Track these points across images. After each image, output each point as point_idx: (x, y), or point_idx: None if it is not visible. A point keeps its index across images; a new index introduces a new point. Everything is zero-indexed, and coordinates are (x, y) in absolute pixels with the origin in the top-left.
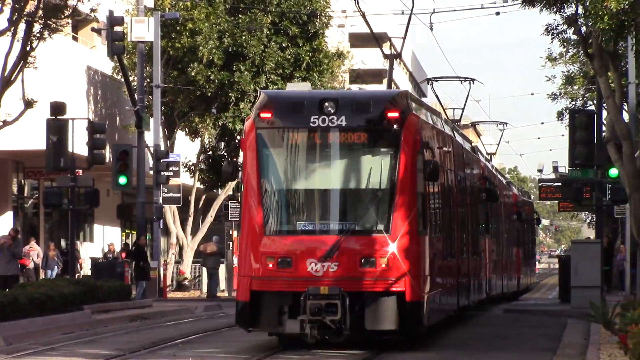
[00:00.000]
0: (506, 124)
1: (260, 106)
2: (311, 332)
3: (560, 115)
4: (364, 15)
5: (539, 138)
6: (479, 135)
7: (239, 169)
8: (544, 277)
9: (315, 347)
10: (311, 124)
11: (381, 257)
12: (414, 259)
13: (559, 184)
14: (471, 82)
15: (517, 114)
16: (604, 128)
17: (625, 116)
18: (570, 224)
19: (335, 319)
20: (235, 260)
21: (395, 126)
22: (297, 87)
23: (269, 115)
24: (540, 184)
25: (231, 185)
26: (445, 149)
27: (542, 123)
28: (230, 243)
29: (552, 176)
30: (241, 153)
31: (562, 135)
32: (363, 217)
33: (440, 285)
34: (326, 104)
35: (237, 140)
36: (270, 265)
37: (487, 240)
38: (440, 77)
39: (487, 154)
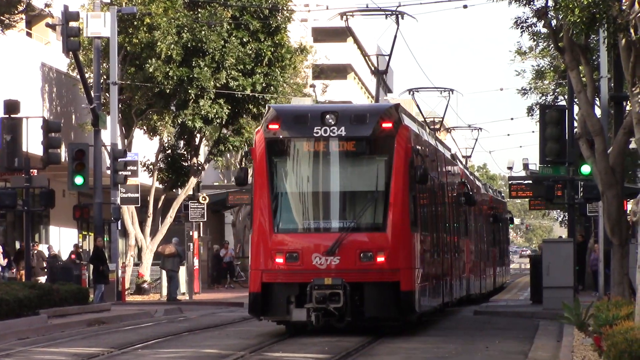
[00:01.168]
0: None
1: (269, 119)
2: (316, 319)
3: (530, 110)
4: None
5: (508, 135)
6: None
7: (250, 175)
8: (515, 277)
9: (317, 334)
10: (314, 134)
11: (378, 252)
12: (407, 253)
13: (530, 181)
14: (450, 92)
15: (485, 110)
16: (575, 124)
17: (598, 111)
18: (542, 222)
19: (338, 306)
20: (196, 263)
21: (389, 135)
22: (301, 101)
23: (276, 126)
24: (510, 182)
25: (191, 184)
26: (430, 156)
27: (512, 119)
28: (191, 244)
29: (523, 174)
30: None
31: (533, 132)
32: (361, 216)
33: (428, 279)
34: (327, 116)
35: (197, 139)
36: (280, 260)
37: (467, 241)
38: (421, 88)
39: (463, 157)
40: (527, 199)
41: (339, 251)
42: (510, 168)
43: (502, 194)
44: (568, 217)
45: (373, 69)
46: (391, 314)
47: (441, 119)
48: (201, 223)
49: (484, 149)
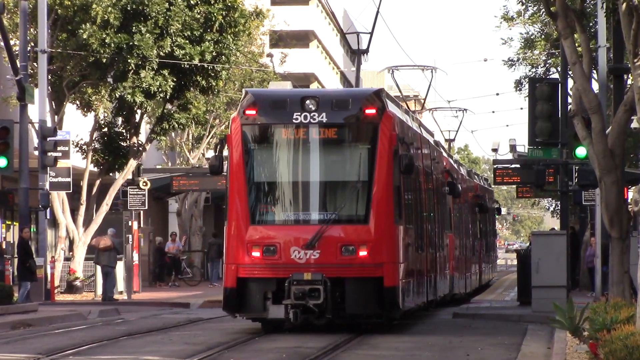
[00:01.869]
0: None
1: (245, 104)
2: (295, 316)
3: (518, 84)
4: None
5: (493, 112)
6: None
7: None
8: (501, 274)
9: (295, 332)
10: (294, 120)
11: (360, 245)
12: (390, 247)
13: (517, 165)
14: (433, 70)
15: (467, 84)
16: (569, 100)
17: (595, 86)
18: (531, 212)
19: (318, 302)
20: (136, 257)
21: (372, 122)
22: (279, 85)
23: (253, 112)
24: (495, 166)
25: (130, 167)
26: (415, 144)
27: (497, 94)
28: (130, 236)
29: (509, 157)
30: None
31: (521, 109)
32: (343, 207)
33: (412, 275)
34: (307, 101)
35: (137, 115)
36: (256, 254)
37: (451, 235)
38: (401, 66)
39: (446, 140)
40: (514, 186)
41: (319, 244)
42: (495, 150)
43: (488, 180)
44: (561, 206)
45: (350, 49)
46: (374, 310)
47: (423, 99)
48: (142, 212)
49: (466, 128)
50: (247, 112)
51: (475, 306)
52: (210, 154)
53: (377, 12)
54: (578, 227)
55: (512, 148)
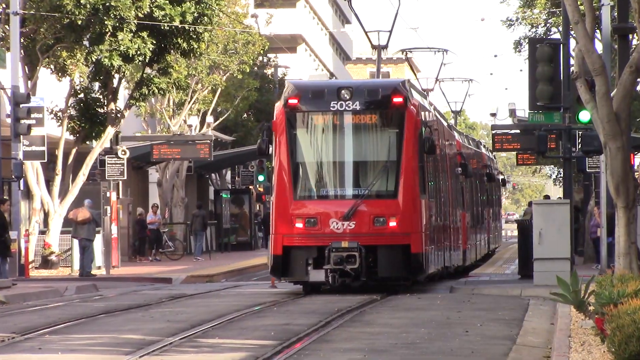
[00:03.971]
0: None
1: (288, 94)
2: (333, 279)
3: (517, 45)
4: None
5: (491, 74)
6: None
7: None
8: (500, 246)
9: (331, 293)
10: (331, 108)
11: (390, 217)
12: (417, 218)
13: (517, 131)
14: (444, 52)
15: (462, 44)
16: (572, 61)
17: (598, 46)
18: (532, 180)
19: (354, 267)
20: (114, 229)
21: (399, 109)
22: (317, 77)
23: (295, 101)
24: (494, 132)
25: (108, 135)
26: (434, 128)
27: (495, 56)
28: (108, 208)
29: (509, 122)
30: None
31: (521, 71)
32: (375, 184)
33: (433, 243)
34: (343, 91)
35: (115, 80)
36: (299, 225)
37: (464, 211)
38: (414, 48)
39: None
40: (514, 152)
41: (354, 216)
42: (493, 115)
43: (486, 147)
44: (563, 173)
45: (371, 44)
46: (402, 273)
47: (435, 78)
48: (120, 182)
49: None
50: (290, 101)
51: (474, 280)
52: (192, 120)
53: (397, 13)
54: (582, 196)
55: (512, 112)
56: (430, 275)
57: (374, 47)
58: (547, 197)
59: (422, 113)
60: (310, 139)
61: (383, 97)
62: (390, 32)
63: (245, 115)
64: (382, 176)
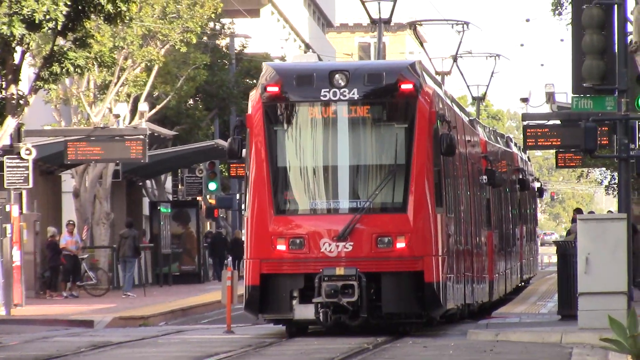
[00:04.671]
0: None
1: (267, 80)
2: (325, 316)
3: (557, 6)
4: None
5: (522, 45)
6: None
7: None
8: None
9: (321, 334)
10: (322, 98)
11: (398, 236)
12: (431, 238)
13: (557, 122)
14: (464, 25)
15: (484, 4)
16: (629, 27)
17: None
18: (577, 188)
19: (352, 300)
20: (17, 255)
21: (409, 99)
22: (304, 58)
23: (276, 89)
24: (525, 123)
25: (7, 129)
26: (453, 122)
27: (528, 20)
28: (8, 227)
29: (546, 109)
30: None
31: (562, 41)
32: (378, 194)
33: (452, 271)
34: (336, 76)
35: (16, 54)
36: (282, 247)
37: (490, 232)
38: (426, 21)
39: (473, 99)
40: (552, 151)
41: (352, 236)
42: (525, 100)
43: (517, 144)
44: (618, 179)
45: (370, 19)
46: (413, 309)
47: (454, 61)
48: (25, 192)
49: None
50: (269, 89)
51: (500, 322)
52: (120, 108)
53: None
54: None
55: (550, 97)
56: (449, 312)
57: (373, 21)
58: (591, 213)
59: (439, 103)
60: (296, 137)
61: (388, 84)
62: (394, 3)
63: (191, 101)
64: (387, 184)
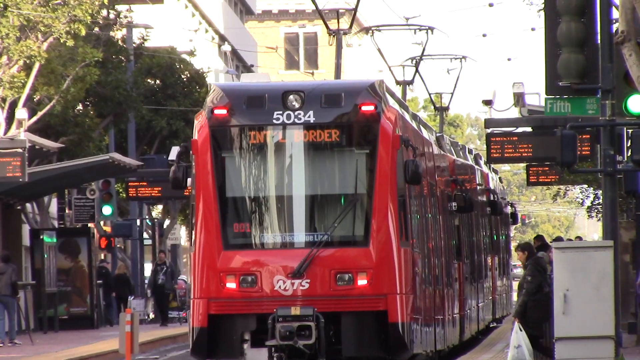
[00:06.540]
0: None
1: (214, 101)
2: None
3: None
4: None
5: (484, 36)
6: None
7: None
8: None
9: None
10: (274, 121)
11: (359, 272)
12: (396, 274)
13: (528, 129)
14: (428, 31)
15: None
16: (615, 14)
17: None
18: (552, 210)
19: (309, 343)
20: None
21: (370, 121)
22: (254, 78)
23: (224, 112)
24: (489, 131)
25: None
26: (419, 146)
27: (491, 5)
28: None
29: (514, 114)
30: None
31: (533, 30)
32: (337, 226)
33: (420, 312)
34: (290, 97)
35: None
36: (231, 285)
37: (461, 264)
38: (386, 26)
39: (436, 109)
40: (522, 165)
41: (309, 272)
42: (488, 103)
43: (480, 156)
44: (604, 198)
45: (327, 29)
46: (377, 352)
47: (416, 69)
48: None
49: (440, 68)
50: (216, 111)
51: None
52: None
53: None
54: (633, 234)
55: (518, 99)
56: (417, 358)
57: (330, 32)
58: (579, 238)
59: (403, 126)
60: (246, 164)
61: (347, 105)
62: (354, 11)
63: (80, 106)
64: (346, 216)
